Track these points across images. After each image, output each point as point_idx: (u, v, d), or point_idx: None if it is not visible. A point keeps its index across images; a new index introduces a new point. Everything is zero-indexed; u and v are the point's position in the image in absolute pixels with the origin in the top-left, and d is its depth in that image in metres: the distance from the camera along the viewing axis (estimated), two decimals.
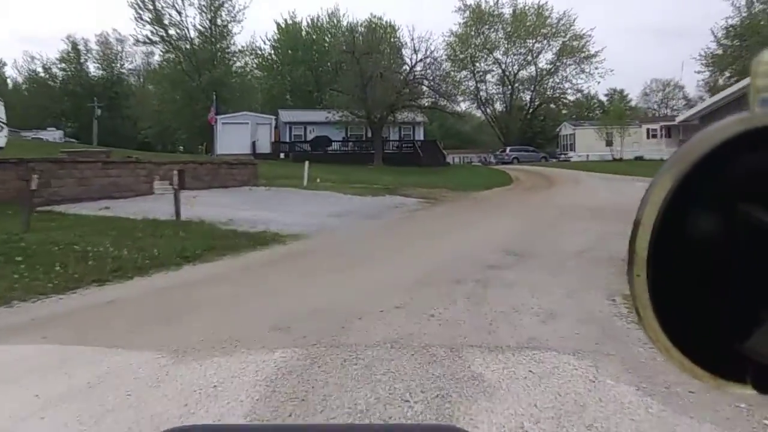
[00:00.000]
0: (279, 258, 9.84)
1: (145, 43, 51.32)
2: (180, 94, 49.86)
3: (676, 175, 0.35)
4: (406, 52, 39.11)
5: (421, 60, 38.01)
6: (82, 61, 67.07)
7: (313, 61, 55.43)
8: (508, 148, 54.69)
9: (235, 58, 54.42)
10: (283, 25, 58.83)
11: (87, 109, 58.98)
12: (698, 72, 55.19)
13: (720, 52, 47.91)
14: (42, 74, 67.56)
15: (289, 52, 57.21)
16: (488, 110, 66.28)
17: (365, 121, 38.96)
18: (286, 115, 44.73)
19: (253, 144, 41.65)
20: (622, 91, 72.01)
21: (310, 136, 43.29)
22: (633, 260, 0.36)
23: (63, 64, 66.63)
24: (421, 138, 46.45)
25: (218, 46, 51.08)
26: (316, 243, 11.50)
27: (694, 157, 0.34)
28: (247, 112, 45.53)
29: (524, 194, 24.82)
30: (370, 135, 41.47)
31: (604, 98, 69.40)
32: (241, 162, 25.09)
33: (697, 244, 0.35)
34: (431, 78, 38.12)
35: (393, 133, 45.81)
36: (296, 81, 56.12)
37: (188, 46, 50.01)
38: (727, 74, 47.01)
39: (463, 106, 64.35)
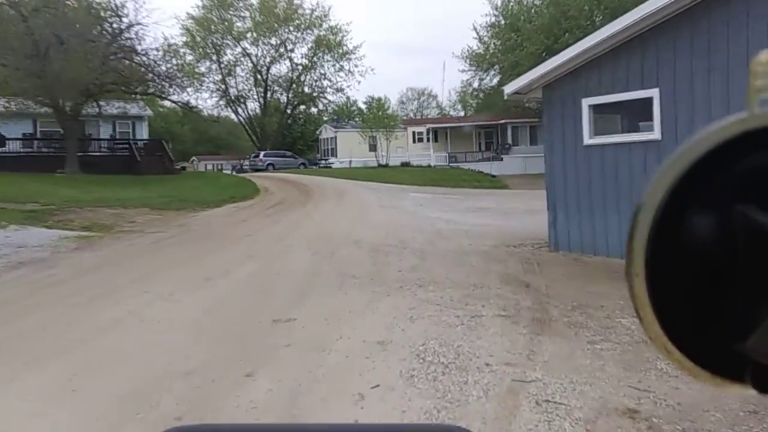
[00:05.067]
0: None
1: None
2: None
3: (674, 175, 0.35)
4: (116, 21, 28.00)
5: (128, 27, 27.27)
6: None
7: None
8: (262, 153, 46.22)
9: None
10: None
11: None
12: (462, 71, 52.08)
13: (482, 51, 44.54)
14: None
15: None
16: (240, 110, 56.97)
17: (51, 111, 27.35)
18: None
19: None
20: (379, 99, 68.66)
21: None
22: (631, 259, 0.35)
23: None
24: (145, 137, 35.68)
25: None
26: None
27: (692, 157, 0.34)
28: None
29: (267, 215, 16.29)
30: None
31: (363, 106, 64.69)
32: None
33: (695, 243, 0.35)
34: (144, 53, 27.68)
35: (105, 129, 34.40)
36: None
37: None
38: (493, 73, 43.77)
39: (210, 103, 54.59)
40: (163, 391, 3.88)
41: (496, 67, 42.75)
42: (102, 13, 27.87)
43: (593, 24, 34.98)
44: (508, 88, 10.87)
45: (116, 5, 27.58)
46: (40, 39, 24.39)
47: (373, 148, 43.72)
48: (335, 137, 49.31)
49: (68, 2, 26.23)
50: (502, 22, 42.44)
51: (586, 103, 10.18)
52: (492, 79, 45.69)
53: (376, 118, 43.29)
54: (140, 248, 10.56)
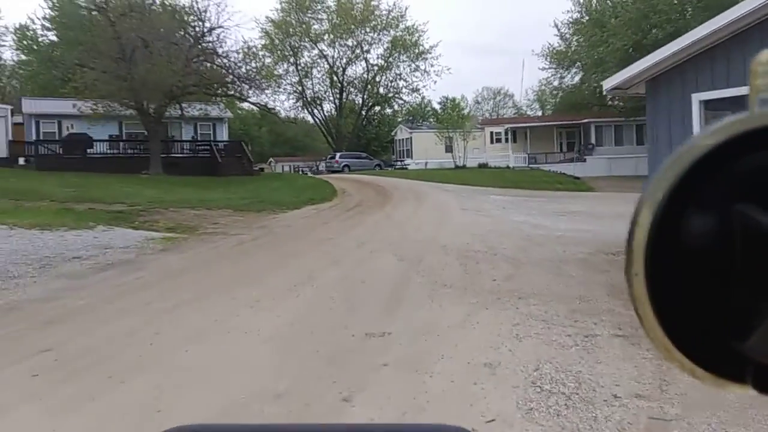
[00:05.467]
0: None
1: None
2: None
3: (674, 175, 0.34)
4: (198, 25, 28.59)
5: (210, 30, 27.76)
6: None
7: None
8: (338, 155, 46.34)
9: None
10: None
11: None
12: (543, 69, 50.70)
13: (563, 48, 43.13)
14: None
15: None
16: (316, 111, 57.58)
17: (135, 113, 28.21)
18: (31, 105, 32.55)
19: None
20: (454, 99, 67.76)
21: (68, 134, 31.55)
22: (631, 259, 0.35)
23: None
24: (225, 139, 36.42)
25: None
26: None
27: (692, 157, 0.34)
28: None
29: (348, 217, 16.06)
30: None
31: (437, 106, 63.98)
32: None
33: (695, 243, 0.35)
34: (224, 55, 28.12)
35: (187, 131, 35.35)
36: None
37: None
38: (574, 70, 42.33)
39: (287, 105, 55.46)
40: (253, 415, 3.54)
41: (578, 64, 41.34)
42: (185, 17, 28.55)
43: (684, 18, 33.14)
44: (608, 83, 10.13)
45: (199, 9, 28.23)
46: (126, 43, 25.17)
47: (449, 149, 42.98)
48: (410, 138, 48.87)
49: (153, 7, 26.96)
50: (585, 18, 40.99)
51: (697, 98, 9.32)
52: (573, 77, 44.30)
53: (451, 119, 42.54)
54: (225, 251, 10.47)
